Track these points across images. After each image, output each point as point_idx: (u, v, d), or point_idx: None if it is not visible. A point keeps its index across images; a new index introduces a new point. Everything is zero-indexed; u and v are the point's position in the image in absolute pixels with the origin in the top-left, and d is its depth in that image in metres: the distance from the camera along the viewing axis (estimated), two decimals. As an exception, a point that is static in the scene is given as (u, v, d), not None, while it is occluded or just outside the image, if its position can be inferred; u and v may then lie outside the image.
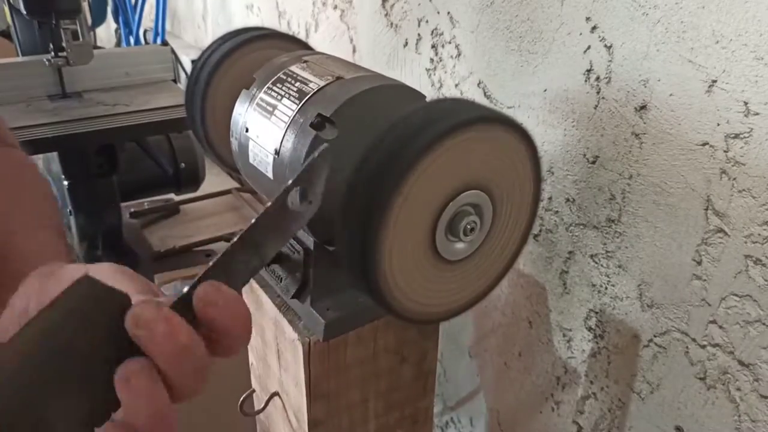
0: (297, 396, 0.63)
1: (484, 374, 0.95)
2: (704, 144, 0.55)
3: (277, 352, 0.65)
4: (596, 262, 0.69)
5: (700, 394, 0.61)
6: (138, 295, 0.29)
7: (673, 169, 0.58)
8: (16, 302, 0.31)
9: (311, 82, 0.52)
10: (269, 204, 0.30)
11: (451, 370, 1.03)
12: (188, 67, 1.46)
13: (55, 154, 1.11)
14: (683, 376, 0.62)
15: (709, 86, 0.53)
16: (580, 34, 0.64)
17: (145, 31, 1.95)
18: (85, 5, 1.52)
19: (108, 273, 0.31)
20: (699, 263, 0.58)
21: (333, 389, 0.62)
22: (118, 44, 1.98)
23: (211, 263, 0.29)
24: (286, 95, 0.52)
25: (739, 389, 0.57)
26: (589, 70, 0.64)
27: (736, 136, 0.52)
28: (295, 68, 0.55)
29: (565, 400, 0.80)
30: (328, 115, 0.48)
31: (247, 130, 0.55)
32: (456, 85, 0.83)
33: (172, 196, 1.34)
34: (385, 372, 0.66)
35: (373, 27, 0.98)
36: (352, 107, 0.49)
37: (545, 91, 0.70)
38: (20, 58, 1.26)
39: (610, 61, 0.61)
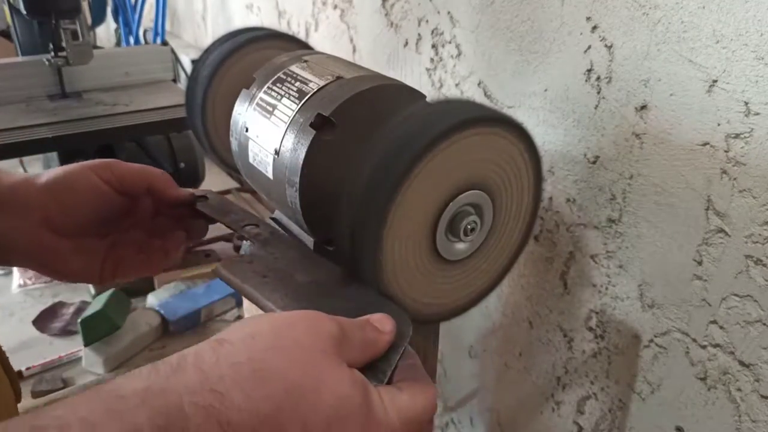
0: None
1: (485, 374, 0.95)
2: (705, 144, 0.55)
3: (277, 352, 0.65)
4: (597, 263, 0.69)
5: (700, 394, 0.61)
6: None
7: (673, 169, 0.58)
8: None
9: (311, 81, 0.52)
10: None
11: (452, 371, 1.02)
12: (188, 66, 1.46)
13: (54, 153, 1.11)
14: (684, 376, 0.62)
15: (710, 86, 0.53)
16: (581, 33, 0.63)
17: (144, 31, 1.95)
18: (85, 5, 1.52)
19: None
20: (700, 263, 0.58)
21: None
22: (118, 44, 1.98)
23: None
24: (286, 95, 0.52)
25: (739, 389, 0.57)
26: (589, 70, 0.64)
27: (737, 136, 0.52)
28: (295, 68, 0.54)
29: (566, 400, 0.79)
30: (327, 115, 0.48)
31: (246, 130, 0.55)
32: (456, 85, 0.83)
33: (171, 196, 1.34)
34: (385, 372, 0.65)
35: (373, 27, 0.98)
36: (352, 107, 0.49)
37: (546, 90, 0.70)
38: (20, 58, 1.26)
39: (611, 60, 0.61)
